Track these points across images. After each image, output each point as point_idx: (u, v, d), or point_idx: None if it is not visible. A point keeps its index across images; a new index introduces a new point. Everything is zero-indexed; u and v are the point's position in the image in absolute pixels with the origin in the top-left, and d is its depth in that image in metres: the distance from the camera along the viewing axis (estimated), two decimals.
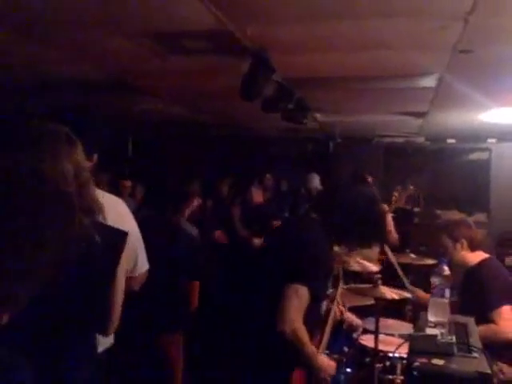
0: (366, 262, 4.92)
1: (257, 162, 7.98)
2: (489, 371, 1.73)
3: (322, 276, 2.32)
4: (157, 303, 3.27)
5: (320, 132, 7.89)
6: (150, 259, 2.42)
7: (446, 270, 2.30)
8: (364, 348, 3.50)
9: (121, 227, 1.94)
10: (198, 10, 2.91)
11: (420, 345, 1.90)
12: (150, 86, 5.07)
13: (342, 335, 3.32)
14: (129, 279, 2.26)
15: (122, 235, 1.75)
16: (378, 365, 3.27)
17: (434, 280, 2.27)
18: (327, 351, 2.94)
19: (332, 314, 2.96)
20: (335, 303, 3.14)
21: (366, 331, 3.61)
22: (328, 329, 2.78)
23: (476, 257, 3.43)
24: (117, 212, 2.26)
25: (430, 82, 4.50)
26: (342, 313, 3.31)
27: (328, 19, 3.07)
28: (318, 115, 6.42)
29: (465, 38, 3.19)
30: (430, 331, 1.97)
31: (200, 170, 7.80)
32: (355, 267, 4.79)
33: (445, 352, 1.83)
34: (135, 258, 2.34)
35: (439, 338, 1.90)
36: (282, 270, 2.28)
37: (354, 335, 3.48)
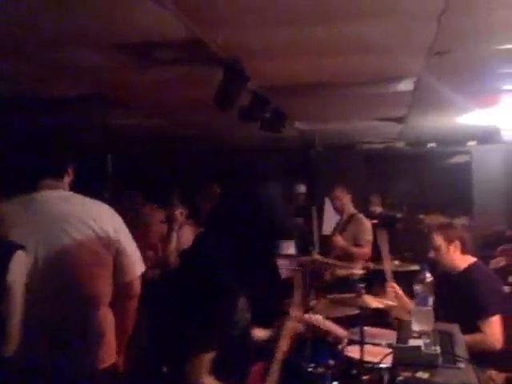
0: (349, 267, 4.81)
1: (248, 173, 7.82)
2: (475, 382, 1.64)
3: None
4: None
5: (300, 141, 7.83)
6: None
7: (429, 277, 2.22)
8: (350, 360, 3.40)
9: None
10: (167, 19, 2.83)
11: (404, 357, 1.81)
12: (124, 99, 4.96)
13: (327, 347, 3.22)
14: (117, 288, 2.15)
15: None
16: (364, 376, 3.17)
17: (417, 288, 2.19)
18: (313, 364, 2.83)
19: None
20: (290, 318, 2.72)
21: (351, 342, 3.51)
22: (279, 354, 2.25)
23: (465, 261, 3.37)
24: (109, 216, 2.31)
25: (407, 85, 4.47)
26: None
27: (300, 24, 3.01)
28: (296, 123, 6.36)
29: (439, 38, 3.15)
30: (413, 342, 1.88)
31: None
32: (341, 272, 4.69)
33: (429, 364, 1.74)
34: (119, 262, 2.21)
35: (423, 349, 1.81)
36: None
37: (339, 347, 3.38)
